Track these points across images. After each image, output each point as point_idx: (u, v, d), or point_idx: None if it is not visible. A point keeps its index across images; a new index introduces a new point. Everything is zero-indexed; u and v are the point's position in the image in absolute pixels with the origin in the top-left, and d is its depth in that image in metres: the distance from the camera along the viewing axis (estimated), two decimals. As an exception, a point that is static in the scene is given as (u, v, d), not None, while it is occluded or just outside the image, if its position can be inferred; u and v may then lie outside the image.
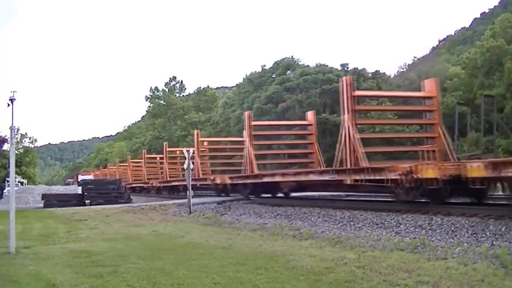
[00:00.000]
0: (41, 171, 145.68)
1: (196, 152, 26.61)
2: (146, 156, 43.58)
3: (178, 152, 38.12)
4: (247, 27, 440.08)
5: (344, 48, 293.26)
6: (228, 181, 21.40)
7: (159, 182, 34.30)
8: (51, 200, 27.19)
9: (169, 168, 35.84)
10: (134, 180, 45.49)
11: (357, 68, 54.82)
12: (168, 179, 33.40)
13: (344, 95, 14.50)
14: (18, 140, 59.39)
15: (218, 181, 22.38)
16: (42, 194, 29.48)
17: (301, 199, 18.56)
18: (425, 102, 15.62)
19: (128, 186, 42.99)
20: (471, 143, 25.02)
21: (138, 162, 48.22)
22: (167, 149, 36.42)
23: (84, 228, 13.39)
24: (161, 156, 40.87)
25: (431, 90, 15.23)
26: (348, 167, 13.68)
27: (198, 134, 28.91)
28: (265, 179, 18.15)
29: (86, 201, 26.62)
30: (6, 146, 44.85)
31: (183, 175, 31.76)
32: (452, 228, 9.02)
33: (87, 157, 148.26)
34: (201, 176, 26.38)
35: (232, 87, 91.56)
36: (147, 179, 39.96)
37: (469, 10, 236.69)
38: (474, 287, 5.24)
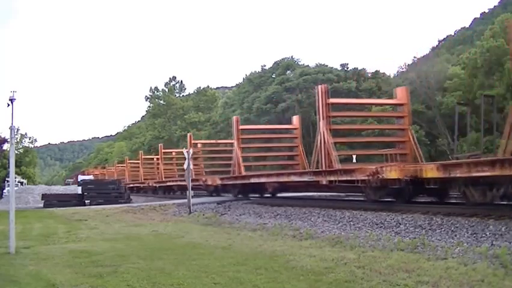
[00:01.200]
0: (41, 171, 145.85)
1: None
2: (194, 142, 32.71)
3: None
4: (247, 27, 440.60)
5: (344, 48, 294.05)
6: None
7: (221, 179, 23.69)
8: (51, 200, 27.20)
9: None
10: (167, 177, 36.80)
11: (357, 68, 54.89)
12: (242, 172, 22.09)
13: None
14: (18, 140, 59.44)
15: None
16: (42, 194, 29.48)
17: (302, 199, 18.57)
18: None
19: (162, 185, 35.36)
20: (471, 143, 25.06)
21: (169, 152, 41.50)
22: (241, 126, 24.09)
23: (84, 228, 13.39)
24: (226, 141, 32.93)
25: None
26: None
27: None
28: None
29: (86, 201, 26.64)
30: (6, 146, 44.94)
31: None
32: (452, 228, 9.02)
33: (87, 157, 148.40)
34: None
35: (232, 87, 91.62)
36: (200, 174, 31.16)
37: (469, 10, 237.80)
38: (474, 287, 5.24)
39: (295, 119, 22.60)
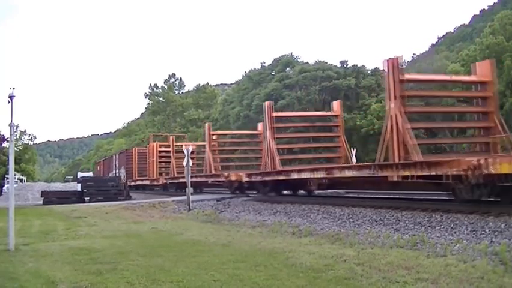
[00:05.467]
0: (41, 168, 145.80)
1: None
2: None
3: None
4: (247, 24, 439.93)
5: (344, 45, 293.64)
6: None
7: (247, 175, 20.05)
8: (50, 197, 27.20)
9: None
10: (180, 172, 29.67)
11: (357, 65, 54.73)
12: (276, 167, 18.11)
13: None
14: (18, 137, 59.43)
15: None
16: (42, 191, 29.47)
17: (302, 196, 18.56)
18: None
19: (174, 181, 29.64)
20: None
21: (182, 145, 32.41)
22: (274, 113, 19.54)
23: (83, 226, 13.39)
24: (252, 132, 27.16)
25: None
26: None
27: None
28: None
29: (86, 198, 26.66)
30: (6, 144, 44.91)
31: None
32: (452, 225, 9.03)
33: (86, 154, 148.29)
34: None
35: (232, 84, 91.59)
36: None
37: (468, 7, 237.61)
38: (473, 284, 5.23)
39: (336, 105, 19.60)
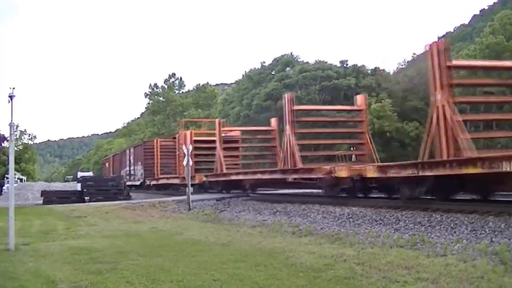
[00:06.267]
0: (41, 168, 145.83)
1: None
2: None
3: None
4: (247, 23, 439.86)
5: (344, 44, 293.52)
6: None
7: (380, 168, 12.28)
8: (50, 197, 27.20)
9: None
10: (231, 168, 24.25)
11: (357, 65, 54.84)
12: (446, 155, 11.07)
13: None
14: (18, 136, 59.44)
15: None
16: (42, 191, 29.47)
17: (302, 196, 18.54)
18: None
19: (220, 179, 22.70)
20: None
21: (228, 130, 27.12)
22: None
23: (83, 225, 13.38)
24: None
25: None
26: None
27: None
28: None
29: (86, 198, 26.66)
30: (6, 144, 44.91)
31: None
32: (452, 225, 9.02)
33: (86, 154, 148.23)
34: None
35: (232, 84, 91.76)
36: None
37: (468, 7, 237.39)
38: (473, 283, 5.23)
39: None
